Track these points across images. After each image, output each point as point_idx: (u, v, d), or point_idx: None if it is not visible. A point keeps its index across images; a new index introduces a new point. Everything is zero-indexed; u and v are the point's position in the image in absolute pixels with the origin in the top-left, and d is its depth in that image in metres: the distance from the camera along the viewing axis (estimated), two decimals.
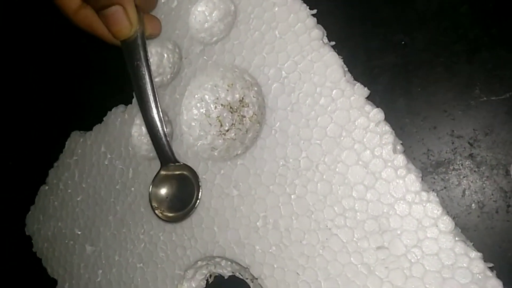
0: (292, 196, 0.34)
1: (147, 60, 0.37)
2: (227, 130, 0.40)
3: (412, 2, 0.34)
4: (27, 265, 0.49)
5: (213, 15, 0.40)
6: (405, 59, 0.34)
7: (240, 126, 0.39)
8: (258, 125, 0.38)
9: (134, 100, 0.43)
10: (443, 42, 0.33)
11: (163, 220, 0.38)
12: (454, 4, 0.33)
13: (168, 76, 0.42)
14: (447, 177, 0.32)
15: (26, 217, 0.49)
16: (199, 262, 0.38)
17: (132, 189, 0.42)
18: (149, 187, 0.38)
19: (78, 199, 0.46)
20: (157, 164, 0.41)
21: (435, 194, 0.31)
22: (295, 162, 0.35)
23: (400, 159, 0.31)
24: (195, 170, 0.37)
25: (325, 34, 0.35)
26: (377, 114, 0.32)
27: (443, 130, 0.32)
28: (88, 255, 0.44)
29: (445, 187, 0.32)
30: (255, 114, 0.39)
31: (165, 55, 0.42)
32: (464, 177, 0.32)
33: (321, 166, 0.34)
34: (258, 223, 0.35)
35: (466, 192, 0.31)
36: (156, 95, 0.37)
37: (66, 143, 0.48)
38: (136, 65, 0.37)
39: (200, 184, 0.37)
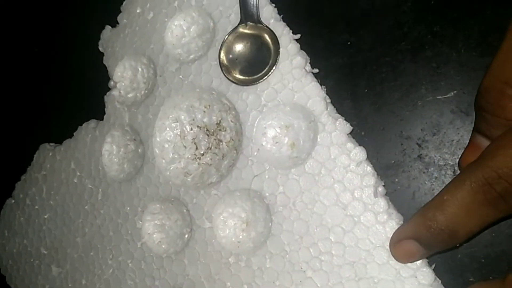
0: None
1: None
2: (203, 154, 0.38)
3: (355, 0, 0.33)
4: None
5: (191, 30, 0.37)
6: (350, 59, 0.33)
7: (216, 150, 0.37)
8: (235, 152, 0.36)
9: (106, 116, 0.41)
10: (388, 41, 0.32)
11: (230, 80, 0.35)
12: (397, 1, 0.32)
13: (142, 92, 0.40)
14: (397, 180, 0.31)
15: None
16: None
17: (101, 211, 0.40)
18: (221, 42, 0.35)
19: (45, 216, 0.43)
20: (127, 187, 0.39)
21: None
22: (271, 197, 0.33)
23: (381, 203, 0.30)
24: (276, 34, 0.33)
25: (308, 61, 0.33)
26: (359, 153, 0.30)
27: (391, 132, 0.32)
28: (54, 276, 0.42)
29: (395, 190, 0.31)
30: (232, 139, 0.36)
31: (140, 69, 0.40)
32: (413, 179, 0.31)
33: (298, 203, 0.32)
34: (230, 259, 0.34)
35: (416, 194, 0.31)
36: None
37: (35, 156, 0.45)
38: None
39: (279, 51, 0.33)
